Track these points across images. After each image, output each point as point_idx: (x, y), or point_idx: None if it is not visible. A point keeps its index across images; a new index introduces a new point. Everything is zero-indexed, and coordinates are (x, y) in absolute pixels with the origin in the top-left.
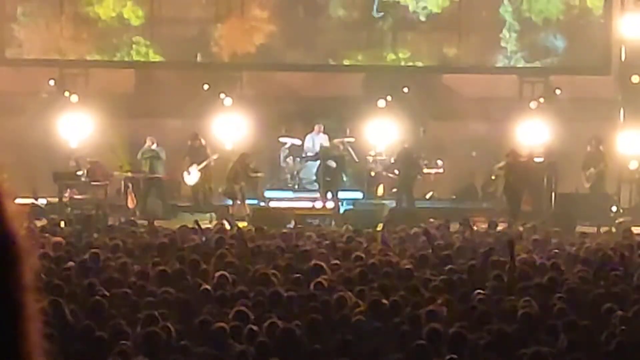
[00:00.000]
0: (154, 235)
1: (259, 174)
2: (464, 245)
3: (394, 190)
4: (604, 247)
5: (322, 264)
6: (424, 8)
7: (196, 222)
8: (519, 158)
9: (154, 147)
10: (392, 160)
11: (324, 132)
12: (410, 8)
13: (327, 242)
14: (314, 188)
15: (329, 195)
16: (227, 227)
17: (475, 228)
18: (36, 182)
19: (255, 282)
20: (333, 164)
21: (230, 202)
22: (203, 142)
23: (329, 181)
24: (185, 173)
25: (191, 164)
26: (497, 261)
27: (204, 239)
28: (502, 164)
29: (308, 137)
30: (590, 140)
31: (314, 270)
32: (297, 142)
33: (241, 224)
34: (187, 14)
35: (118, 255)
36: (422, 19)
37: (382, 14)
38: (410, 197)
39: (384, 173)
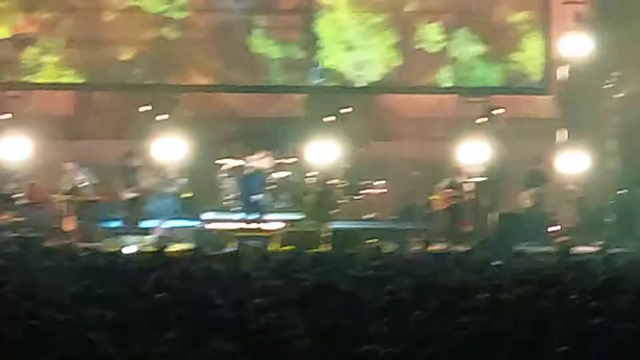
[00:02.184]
0: (93, 258)
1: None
2: (403, 266)
3: (335, 211)
4: (544, 267)
5: (263, 286)
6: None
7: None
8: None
9: (77, 170)
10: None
11: (267, 155)
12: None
13: (268, 263)
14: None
15: (255, 216)
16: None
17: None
18: None
19: (196, 305)
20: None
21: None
22: (138, 162)
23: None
24: (121, 194)
25: (127, 185)
26: (436, 282)
27: (141, 262)
28: (442, 183)
29: (249, 158)
30: (530, 160)
31: (254, 293)
32: (238, 163)
33: (180, 246)
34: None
35: (56, 278)
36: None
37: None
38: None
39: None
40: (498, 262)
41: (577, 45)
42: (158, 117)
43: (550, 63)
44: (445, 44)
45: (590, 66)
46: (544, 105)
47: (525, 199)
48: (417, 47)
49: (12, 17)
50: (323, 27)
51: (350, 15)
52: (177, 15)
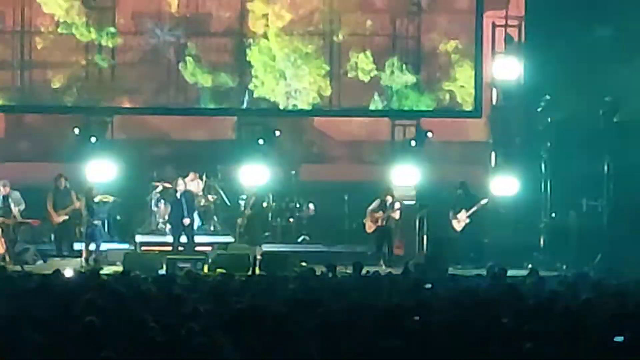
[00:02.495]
0: (25, 280)
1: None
2: (331, 289)
3: (266, 234)
4: (475, 290)
5: (195, 308)
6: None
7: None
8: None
9: (6, 192)
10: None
11: (198, 178)
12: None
13: (199, 286)
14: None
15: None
16: (99, 270)
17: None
18: None
19: (127, 328)
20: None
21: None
22: (67, 184)
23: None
24: (52, 217)
25: (56, 207)
26: (366, 304)
27: (73, 284)
28: (373, 205)
29: (180, 181)
30: (459, 183)
31: (186, 316)
32: (168, 185)
33: (111, 269)
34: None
35: None
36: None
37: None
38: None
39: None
40: (430, 285)
41: (507, 68)
42: (89, 140)
43: (482, 86)
44: (376, 73)
45: (521, 89)
46: (476, 128)
47: (456, 222)
48: (349, 76)
49: None
50: (254, 55)
51: (281, 43)
52: (108, 42)
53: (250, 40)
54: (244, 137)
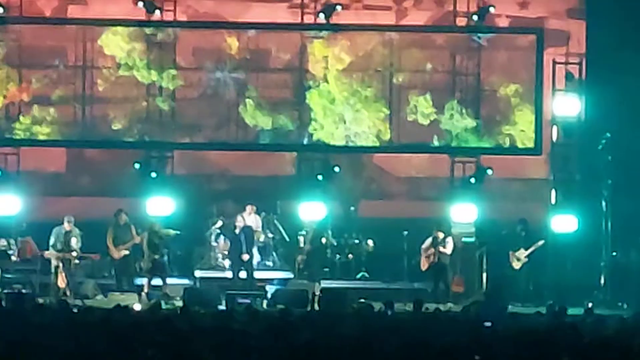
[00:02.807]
0: (86, 314)
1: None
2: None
3: (325, 270)
4: (535, 329)
5: (253, 344)
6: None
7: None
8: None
9: (69, 227)
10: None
11: (256, 212)
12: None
13: (258, 322)
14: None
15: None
16: (161, 306)
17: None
18: None
19: None
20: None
21: (155, 280)
22: (127, 219)
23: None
24: (112, 252)
25: (117, 242)
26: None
27: (134, 318)
28: (426, 243)
29: (239, 216)
30: (518, 221)
31: (245, 351)
32: (228, 221)
33: (171, 304)
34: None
35: (48, 334)
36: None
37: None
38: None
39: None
40: (490, 323)
41: (567, 106)
42: (149, 175)
43: (542, 123)
44: (436, 117)
45: (581, 126)
46: (536, 165)
47: (515, 260)
48: (408, 119)
49: (4, 86)
50: (313, 98)
51: (340, 87)
52: (168, 84)
53: (310, 82)
54: (304, 173)
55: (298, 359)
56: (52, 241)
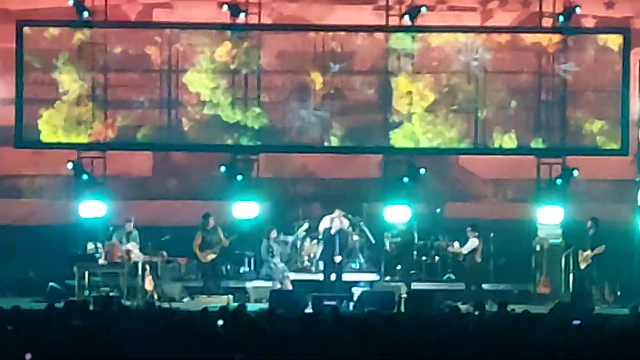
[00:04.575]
0: (173, 317)
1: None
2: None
3: (412, 272)
4: (622, 330)
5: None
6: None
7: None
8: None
9: (130, 228)
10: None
11: (344, 215)
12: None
13: (345, 324)
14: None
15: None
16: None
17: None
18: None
19: None
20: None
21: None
22: (214, 223)
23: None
24: (199, 256)
25: (204, 245)
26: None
27: (220, 322)
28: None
29: (326, 218)
30: (590, 219)
31: (331, 354)
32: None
33: (257, 306)
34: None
35: (136, 338)
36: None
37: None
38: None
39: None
40: (578, 322)
41: None
42: (235, 178)
43: (628, 123)
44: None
45: None
46: (623, 166)
47: (582, 259)
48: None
49: (90, 123)
50: (398, 138)
51: (424, 127)
52: (254, 123)
53: (394, 118)
54: (389, 175)
55: None
56: (113, 240)
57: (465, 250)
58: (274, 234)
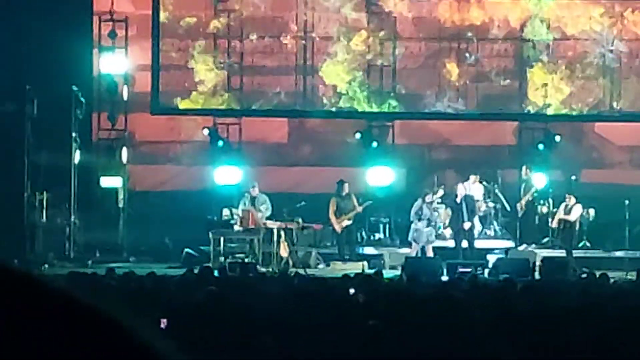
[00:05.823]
0: (308, 284)
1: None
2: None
3: (546, 239)
4: None
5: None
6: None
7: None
8: None
9: (255, 193)
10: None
11: (479, 181)
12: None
13: (481, 292)
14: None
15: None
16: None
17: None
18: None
19: (404, 334)
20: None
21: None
22: (349, 189)
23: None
24: (334, 223)
25: (339, 212)
26: None
27: (352, 290)
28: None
29: (461, 185)
30: None
31: (469, 321)
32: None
33: (392, 272)
34: None
35: (272, 304)
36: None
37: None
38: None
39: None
40: None
41: None
42: (370, 145)
43: None
44: None
45: None
46: None
47: None
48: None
49: None
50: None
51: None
52: None
53: (529, 109)
54: (524, 142)
55: (521, 329)
56: (240, 207)
57: (572, 217)
58: (429, 197)
